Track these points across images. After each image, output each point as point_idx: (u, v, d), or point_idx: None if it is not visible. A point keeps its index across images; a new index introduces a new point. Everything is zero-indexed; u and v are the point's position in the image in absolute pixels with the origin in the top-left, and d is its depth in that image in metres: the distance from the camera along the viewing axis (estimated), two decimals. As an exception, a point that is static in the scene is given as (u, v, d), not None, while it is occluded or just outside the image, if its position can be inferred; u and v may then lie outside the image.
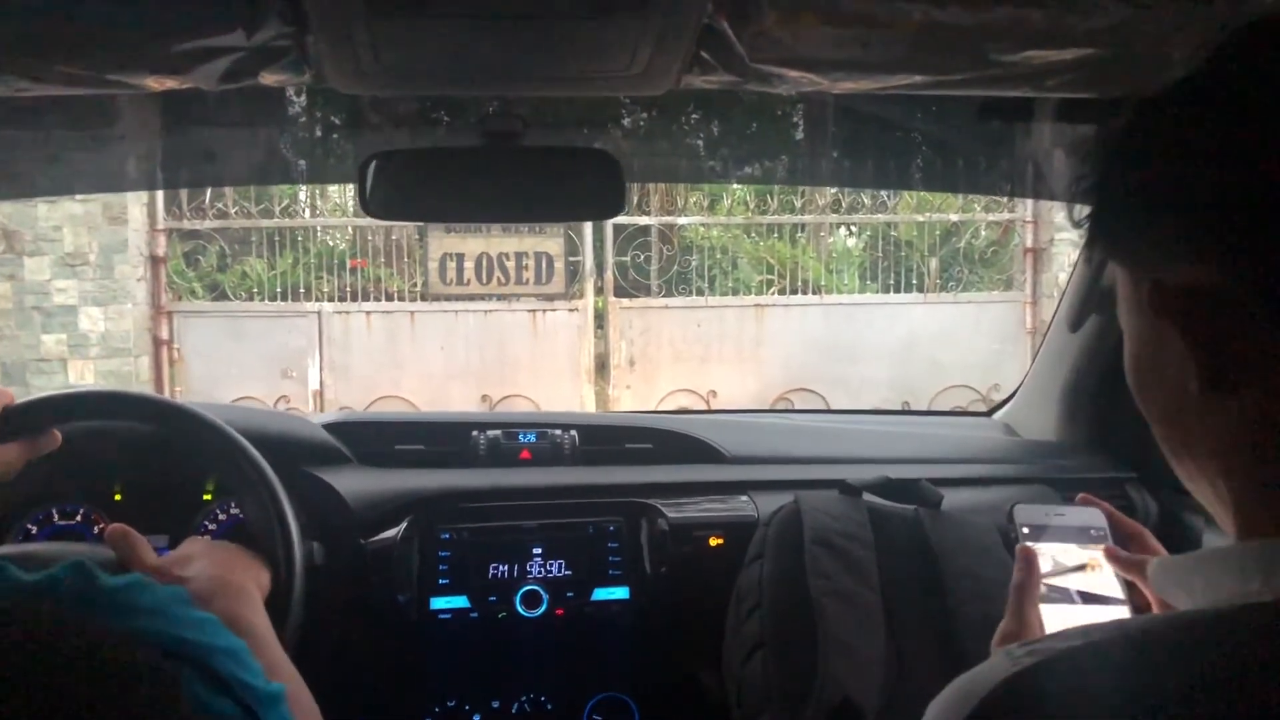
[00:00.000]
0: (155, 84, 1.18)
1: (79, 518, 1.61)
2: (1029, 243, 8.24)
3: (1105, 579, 0.95)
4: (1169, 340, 0.62)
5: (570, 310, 8.04)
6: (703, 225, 8.67)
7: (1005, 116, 1.45)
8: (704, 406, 7.91)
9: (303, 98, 2.03)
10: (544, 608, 1.61)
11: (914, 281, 8.57)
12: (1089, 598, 0.93)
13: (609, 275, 8.12)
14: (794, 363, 8.15)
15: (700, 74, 1.20)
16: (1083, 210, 0.69)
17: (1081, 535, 0.99)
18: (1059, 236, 7.84)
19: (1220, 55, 0.59)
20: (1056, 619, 0.91)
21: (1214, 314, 0.58)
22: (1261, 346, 0.56)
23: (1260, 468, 0.60)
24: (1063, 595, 0.93)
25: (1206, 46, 0.60)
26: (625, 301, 8.19)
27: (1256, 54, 0.58)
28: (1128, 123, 0.64)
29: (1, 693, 0.56)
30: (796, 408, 7.75)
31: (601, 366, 8.17)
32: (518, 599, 1.60)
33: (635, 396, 8.05)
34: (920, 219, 8.58)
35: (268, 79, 1.18)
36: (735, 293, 8.57)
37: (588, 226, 7.97)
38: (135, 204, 7.62)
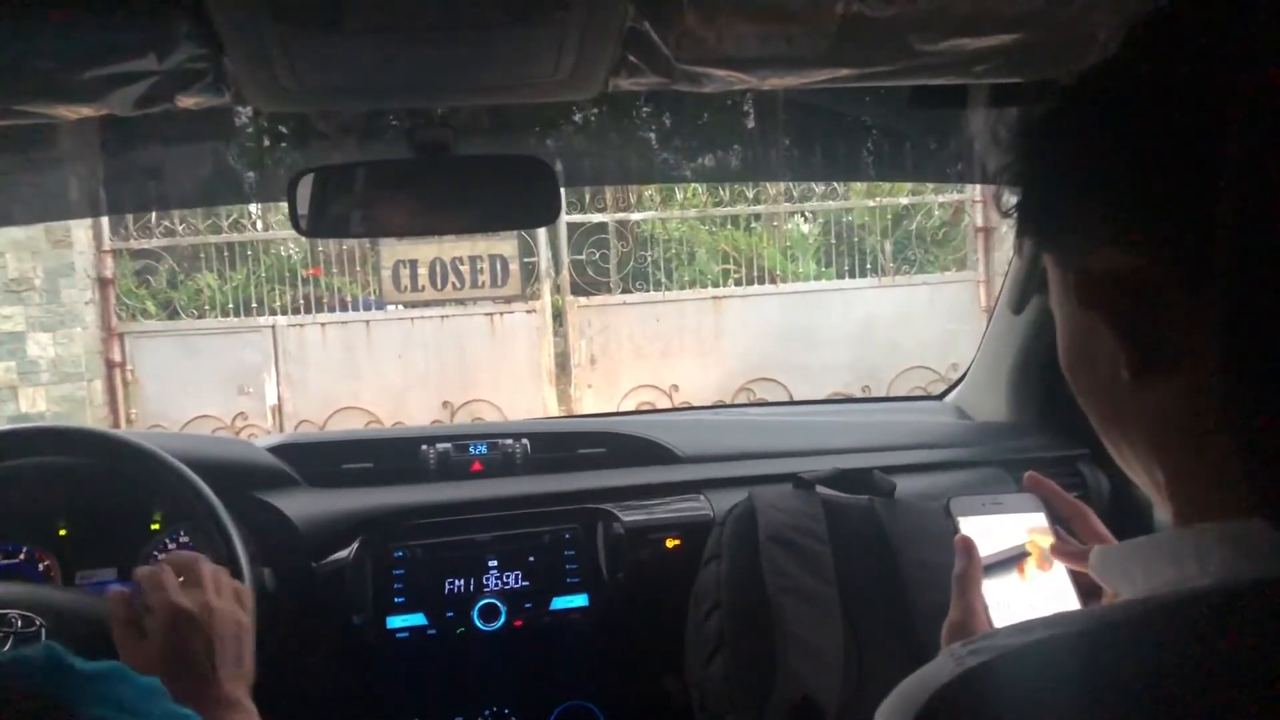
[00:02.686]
0: (69, 113, 1.15)
1: (22, 556, 1.58)
2: (980, 222, 8.32)
3: (1046, 563, 0.95)
4: (1097, 327, 0.61)
5: (528, 311, 8.01)
6: (659, 219, 8.66)
7: (937, 104, 1.45)
8: (667, 401, 7.93)
9: (242, 120, 2.00)
10: (503, 620, 1.59)
11: (869, 266, 8.62)
12: (1032, 584, 0.94)
13: (565, 274, 8.09)
14: (754, 353, 8.18)
15: (628, 76, 1.19)
16: (1011, 198, 0.69)
17: (1019, 521, 1.00)
18: (1010, 215, 7.93)
19: (1139, 38, 0.59)
20: (1001, 607, 0.91)
21: (1140, 300, 0.58)
22: (1188, 332, 0.56)
23: (1191, 452, 0.60)
24: (1006, 582, 0.94)
25: (1129, 28, 0.59)
26: (583, 300, 8.18)
27: (1175, 37, 0.57)
28: (1048, 109, 0.64)
29: None
30: (755, 400, 7.83)
31: (563, 366, 8.15)
32: (475, 613, 1.59)
33: (597, 395, 8.04)
34: (872, 204, 8.62)
35: (185, 102, 1.16)
36: (695, 284, 8.59)
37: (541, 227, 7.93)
38: (79, 227, 7.50)
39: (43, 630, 1.30)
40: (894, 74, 1.25)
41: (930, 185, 8.59)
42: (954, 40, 1.16)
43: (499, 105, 1.66)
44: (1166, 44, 0.57)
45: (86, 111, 1.16)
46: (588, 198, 8.28)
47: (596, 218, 8.32)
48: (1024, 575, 0.95)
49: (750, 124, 2.30)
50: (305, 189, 1.40)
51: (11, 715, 0.58)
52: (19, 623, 1.30)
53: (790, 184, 8.52)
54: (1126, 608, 0.59)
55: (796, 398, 7.87)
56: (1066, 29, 1.15)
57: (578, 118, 2.19)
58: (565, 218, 7.96)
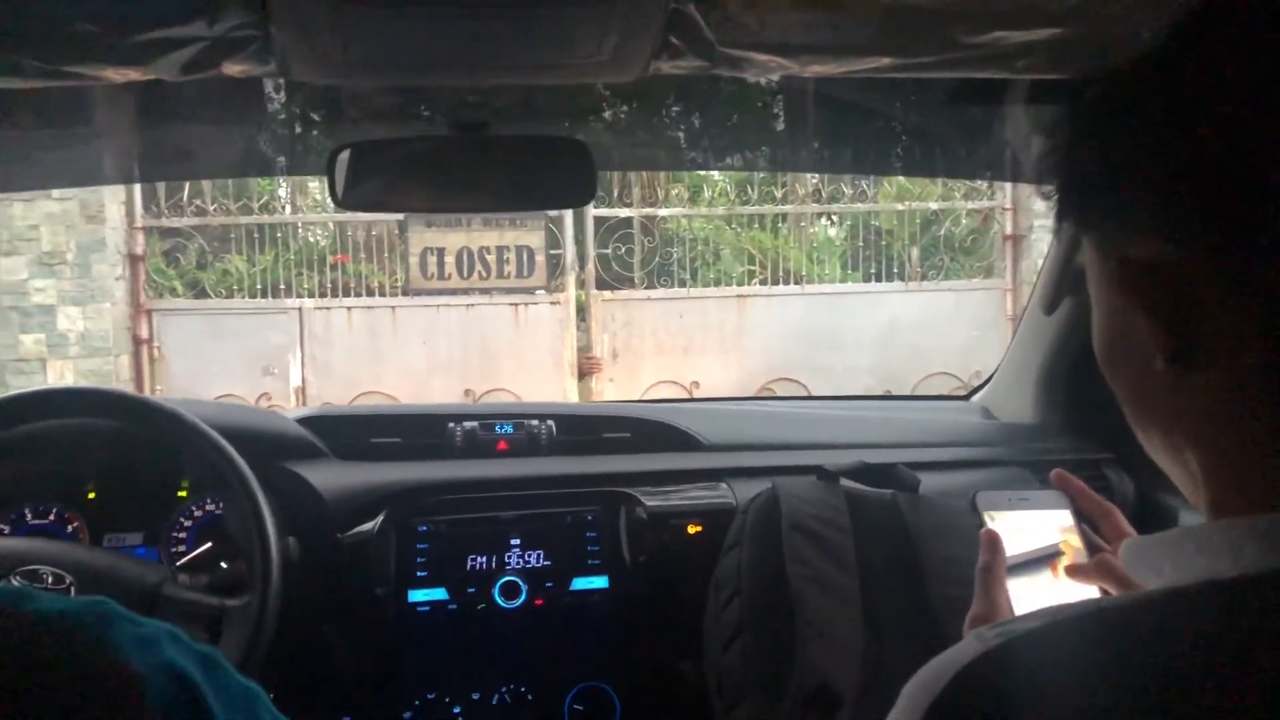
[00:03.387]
0: (116, 75, 1.17)
1: (52, 516, 1.60)
2: (1009, 230, 8.26)
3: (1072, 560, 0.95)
4: (1135, 316, 0.61)
5: (552, 303, 8.02)
6: (685, 217, 8.65)
7: (976, 100, 1.45)
8: (687, 398, 7.91)
9: (281, 94, 2.02)
10: (523, 598, 1.60)
11: (895, 270, 8.58)
12: (1064, 583, 0.94)
13: (590, 268, 8.10)
14: (776, 352, 8.14)
15: (669, 60, 1.20)
16: (1053, 186, 0.69)
17: (1046, 518, 0.99)
18: (1038, 223, 7.86)
19: (1186, 29, 0.59)
20: (1026, 601, 0.91)
21: (1180, 290, 0.58)
22: (1227, 322, 0.56)
23: (1228, 445, 0.60)
24: (1030, 578, 0.94)
25: (1175, 19, 0.59)
26: (607, 294, 8.17)
27: (1221, 28, 0.57)
28: (1095, 97, 0.64)
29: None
30: (775, 396, 7.79)
31: (586, 359, 8.16)
32: (496, 590, 1.60)
33: (618, 389, 8.04)
34: (901, 207, 8.58)
35: (231, 70, 1.17)
36: (718, 284, 8.56)
37: (569, 219, 7.95)
38: (113, 202, 7.56)
39: (72, 588, 1.32)
40: (935, 65, 1.25)
41: (959, 192, 8.55)
42: (997, 33, 1.16)
43: (537, 86, 1.67)
44: (1213, 35, 0.57)
45: (133, 75, 1.18)
46: (615, 192, 8.28)
47: (623, 212, 8.30)
48: (1056, 574, 0.95)
49: (782, 115, 2.31)
50: (344, 162, 1.41)
51: (67, 662, 0.56)
52: (50, 579, 1.33)
53: (819, 185, 8.49)
54: (1154, 594, 0.59)
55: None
56: (1110, 24, 1.15)
57: (612, 102, 2.20)
58: (593, 211, 7.97)
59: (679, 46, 1.16)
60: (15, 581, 1.31)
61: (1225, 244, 0.55)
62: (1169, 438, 0.65)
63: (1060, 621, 0.57)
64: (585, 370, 7.57)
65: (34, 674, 0.53)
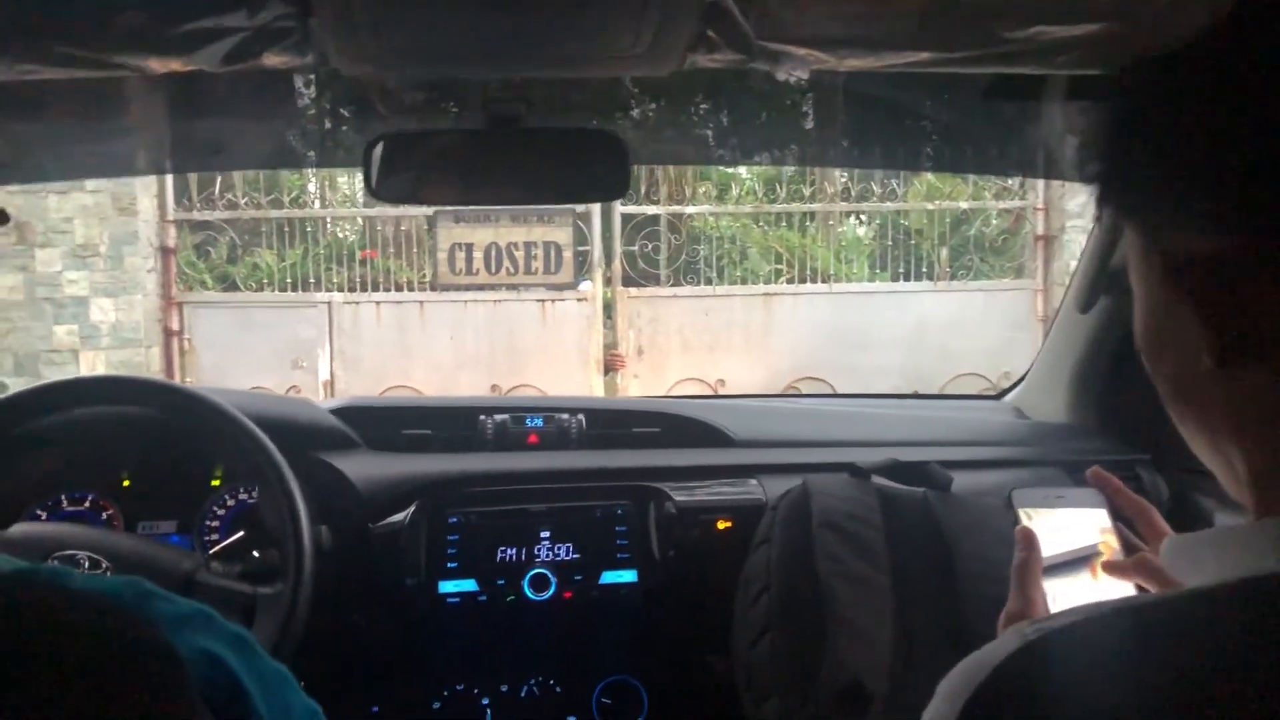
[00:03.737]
0: (158, 66, 1.18)
1: (87, 504, 1.62)
2: (1040, 230, 8.19)
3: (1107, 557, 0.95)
4: (1181, 312, 0.61)
5: (579, 300, 8.03)
6: (711, 215, 8.64)
7: (1012, 94, 1.44)
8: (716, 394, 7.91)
9: (308, 79, 2.03)
10: (552, 591, 1.61)
11: (924, 270, 8.53)
12: (1103, 583, 0.93)
13: (617, 265, 8.11)
14: (803, 351, 8.13)
15: (706, 53, 1.19)
16: (1095, 180, 0.68)
17: (1082, 516, 0.99)
18: (1070, 224, 7.80)
19: (1233, 18, 0.58)
20: (1061, 599, 0.90)
21: (1227, 285, 0.57)
22: (1275, 318, 0.56)
23: (1275, 444, 0.59)
24: (1066, 576, 0.93)
25: (1219, 13, 0.59)
26: (633, 290, 8.18)
27: (1268, 17, 0.56)
28: (1140, 89, 0.63)
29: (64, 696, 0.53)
30: (805, 393, 7.78)
31: (611, 355, 8.19)
32: (526, 582, 1.61)
33: (643, 385, 8.05)
34: (930, 207, 8.53)
35: (271, 60, 1.18)
36: (744, 282, 8.55)
37: (596, 216, 7.95)
38: (145, 195, 7.64)
39: (108, 573, 1.34)
40: (974, 60, 1.24)
41: (990, 191, 8.49)
42: (1038, 28, 1.15)
43: (570, 79, 1.68)
44: (1259, 24, 0.57)
45: (175, 66, 1.19)
46: (642, 189, 8.28)
47: (650, 209, 8.31)
48: (1095, 575, 0.94)
49: (812, 110, 2.30)
50: (378, 154, 1.42)
51: (107, 637, 0.57)
52: (86, 564, 1.34)
53: (847, 183, 8.46)
54: (1196, 591, 0.58)
55: (845, 399, 7.82)
56: (1152, 20, 1.13)
57: (641, 97, 2.20)
58: (620, 208, 7.98)
59: (715, 40, 1.16)
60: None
61: (1275, 238, 0.54)
62: (1213, 436, 0.64)
63: (1099, 617, 0.56)
64: (610, 366, 7.58)
65: (75, 648, 0.54)
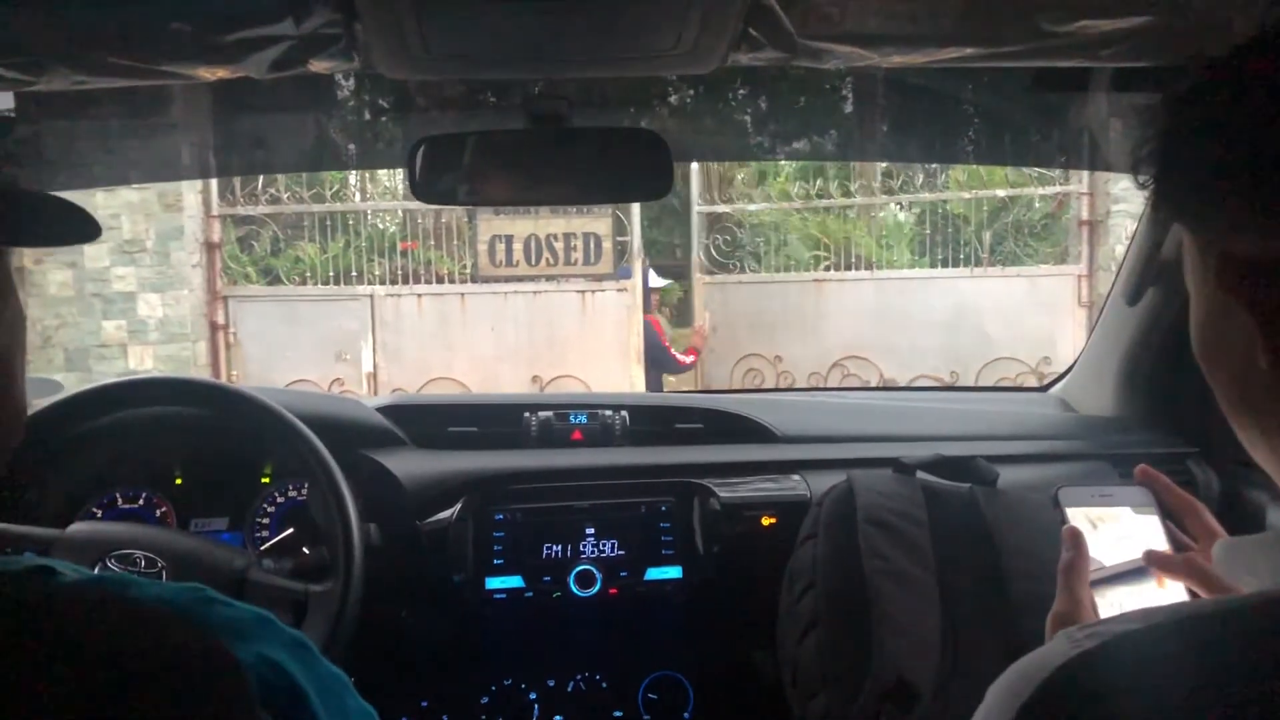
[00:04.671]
0: (207, 74, 1.20)
1: (141, 501, 1.65)
2: (1084, 215, 8.07)
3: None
4: (1238, 313, 0.60)
5: (619, 290, 8.05)
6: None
7: (1059, 87, 1.42)
8: (772, 371, 8.23)
9: (350, 82, 2.05)
10: (598, 587, 1.62)
11: (963, 256, 8.46)
12: (1141, 577, 0.92)
13: (696, 255, 8.53)
14: (849, 332, 8.35)
15: (748, 51, 1.19)
16: (1146, 174, 0.67)
17: (1130, 515, 0.98)
18: (1115, 208, 7.67)
19: None
20: (1109, 600, 0.89)
21: None
22: None
23: None
24: (1114, 575, 0.92)
25: (1270, 7, 0.58)
26: (708, 278, 8.57)
27: None
28: (1192, 84, 0.63)
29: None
30: (847, 375, 8.02)
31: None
32: (571, 579, 1.62)
33: (717, 358, 8.41)
34: (967, 197, 8.46)
35: (317, 66, 1.19)
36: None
37: (635, 206, 7.97)
38: (190, 191, 7.73)
39: (164, 572, 1.36)
40: (1018, 54, 1.23)
41: (1032, 176, 8.38)
42: (1083, 21, 1.14)
43: (613, 79, 1.68)
44: None
45: (223, 73, 1.21)
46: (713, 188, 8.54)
47: (720, 208, 8.56)
48: (1162, 584, 0.93)
49: (854, 103, 2.29)
50: (423, 156, 1.43)
51: (172, 649, 0.57)
52: (142, 563, 1.37)
53: (889, 172, 8.43)
54: (1254, 598, 0.58)
55: (886, 376, 8.05)
56: (1199, 11, 1.12)
57: (681, 92, 2.20)
58: (697, 206, 8.15)
59: (758, 38, 1.15)
60: (111, 564, 1.35)
61: None
62: (1270, 436, 0.64)
63: (1155, 625, 0.56)
64: (694, 345, 7.67)
65: (139, 660, 0.55)
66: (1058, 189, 8.33)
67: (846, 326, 8.38)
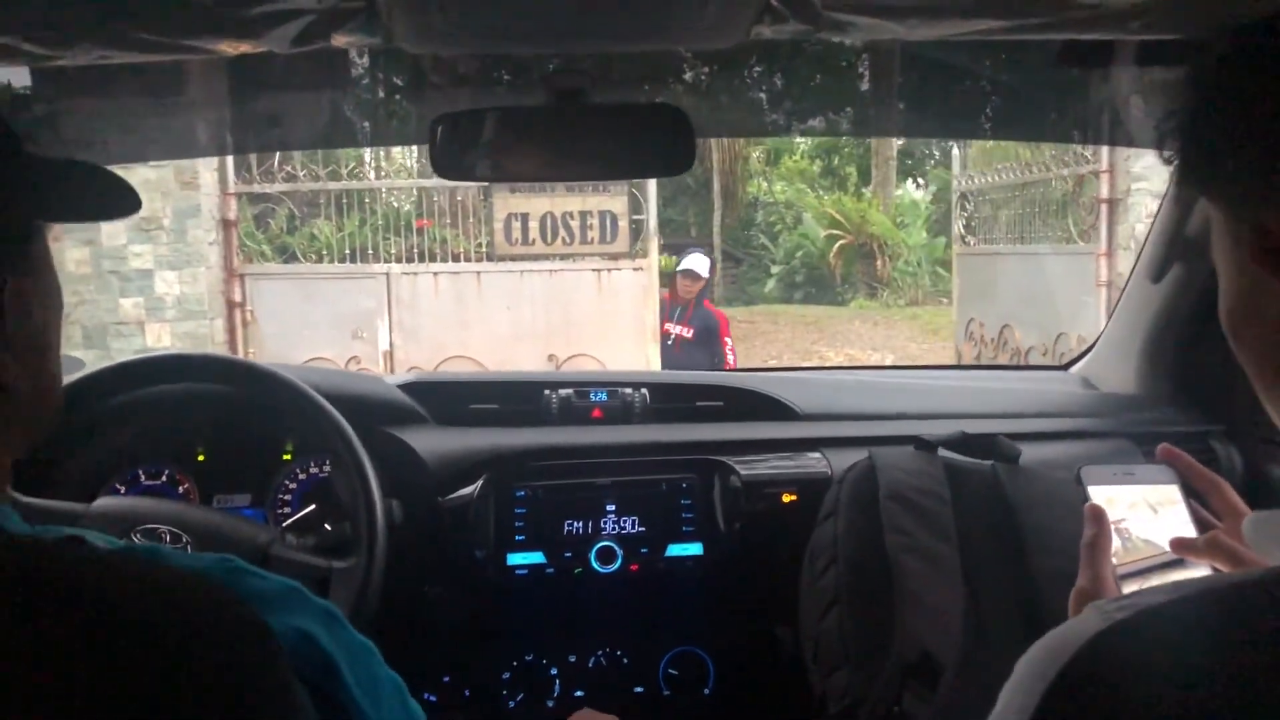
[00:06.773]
0: (229, 48, 1.19)
1: (164, 478, 1.66)
2: (1104, 193, 8.01)
3: (1180, 534, 0.93)
4: (1269, 288, 0.60)
5: (635, 269, 8.04)
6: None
7: (1084, 61, 1.40)
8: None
9: (365, 59, 2.04)
10: (618, 564, 1.62)
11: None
12: (1169, 570, 0.92)
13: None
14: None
15: (771, 24, 1.18)
16: (1172, 148, 0.66)
17: (1153, 493, 0.97)
18: (1136, 186, 7.60)
19: None
20: (1133, 576, 0.89)
21: None
22: None
23: None
24: (1137, 552, 0.92)
25: None
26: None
27: None
28: (1224, 54, 0.62)
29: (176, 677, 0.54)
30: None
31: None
32: (593, 555, 1.62)
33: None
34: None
35: (339, 40, 1.18)
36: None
37: (651, 183, 7.95)
38: (206, 169, 7.75)
39: (189, 547, 1.37)
40: (1044, 27, 1.21)
41: (1050, 154, 8.31)
42: (1112, -8, 1.12)
43: (630, 55, 1.66)
44: None
45: (245, 48, 1.20)
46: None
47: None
48: (1156, 546, 0.93)
49: (871, 77, 2.27)
50: (443, 132, 1.42)
51: (207, 615, 0.58)
52: (168, 537, 1.37)
53: (905, 148, 8.39)
54: (1274, 569, 0.58)
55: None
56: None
57: (699, 68, 2.18)
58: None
59: (781, 10, 1.14)
60: (136, 539, 1.36)
61: None
62: None
63: (1185, 597, 0.56)
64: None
65: (177, 626, 0.55)
66: (1077, 169, 8.25)
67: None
